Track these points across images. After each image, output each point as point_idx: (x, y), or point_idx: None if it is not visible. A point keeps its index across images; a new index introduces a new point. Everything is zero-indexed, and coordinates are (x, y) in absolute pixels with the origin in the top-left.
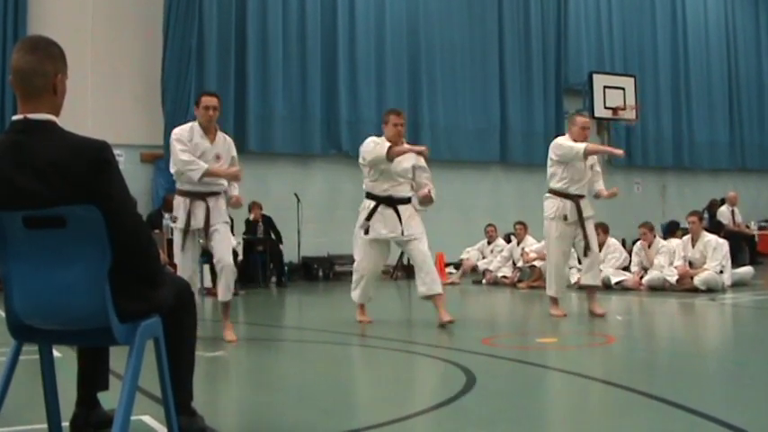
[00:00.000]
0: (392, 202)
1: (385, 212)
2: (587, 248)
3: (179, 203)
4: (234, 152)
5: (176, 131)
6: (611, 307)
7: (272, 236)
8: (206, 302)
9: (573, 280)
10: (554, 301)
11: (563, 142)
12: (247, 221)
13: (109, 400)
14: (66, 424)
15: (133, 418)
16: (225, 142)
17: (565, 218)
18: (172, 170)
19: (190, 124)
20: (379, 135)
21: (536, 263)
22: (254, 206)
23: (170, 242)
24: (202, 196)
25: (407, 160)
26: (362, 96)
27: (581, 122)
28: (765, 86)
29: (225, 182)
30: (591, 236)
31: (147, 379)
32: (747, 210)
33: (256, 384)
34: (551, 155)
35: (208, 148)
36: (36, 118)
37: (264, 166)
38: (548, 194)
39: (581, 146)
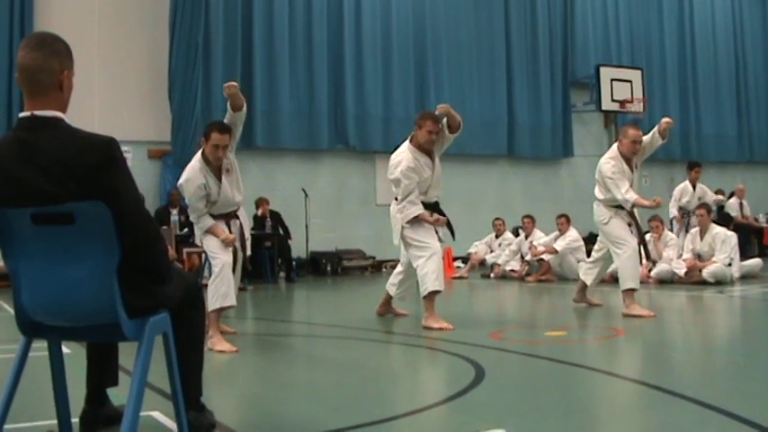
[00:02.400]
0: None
1: None
2: None
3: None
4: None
5: (189, 177)
6: (619, 300)
7: (280, 231)
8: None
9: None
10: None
11: (618, 181)
12: (255, 217)
13: (118, 395)
14: (75, 420)
15: (142, 413)
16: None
17: None
18: (191, 214)
19: (198, 163)
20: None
21: (544, 256)
22: (261, 202)
23: (178, 238)
24: (225, 220)
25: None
26: (369, 91)
27: (633, 136)
28: None
29: (239, 199)
30: None
31: (157, 375)
32: (755, 202)
33: (266, 379)
34: (601, 172)
35: (215, 184)
36: (43, 115)
37: (272, 161)
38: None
39: (630, 199)
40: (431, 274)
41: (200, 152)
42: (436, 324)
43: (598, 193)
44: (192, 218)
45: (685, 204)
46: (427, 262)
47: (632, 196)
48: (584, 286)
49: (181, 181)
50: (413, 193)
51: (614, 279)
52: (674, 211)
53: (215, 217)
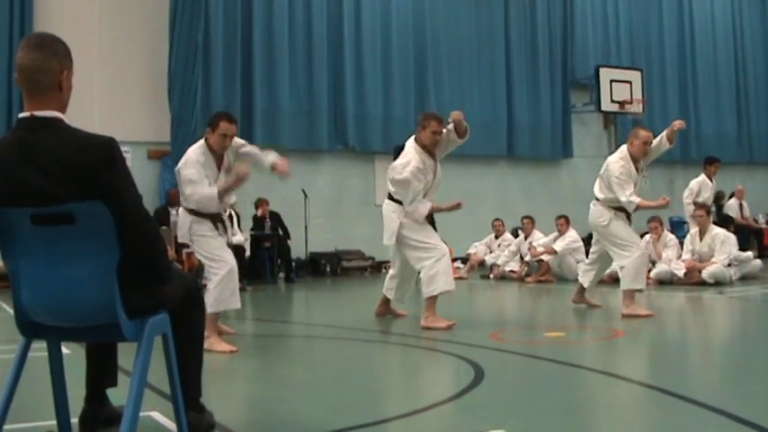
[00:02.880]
0: None
1: None
2: None
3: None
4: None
5: (188, 160)
6: (618, 301)
7: (280, 232)
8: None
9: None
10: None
11: (624, 183)
12: (255, 217)
13: (118, 396)
14: (75, 420)
15: (142, 414)
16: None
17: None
18: (187, 190)
19: (200, 149)
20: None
21: (543, 257)
22: (261, 202)
23: (177, 238)
24: (212, 220)
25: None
26: (369, 91)
27: (644, 137)
28: None
29: (231, 200)
30: None
31: (156, 375)
32: (755, 203)
33: (265, 380)
34: (609, 171)
35: (213, 174)
36: (42, 115)
37: None
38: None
39: (634, 201)
40: (441, 274)
41: (202, 141)
42: (440, 323)
43: (599, 192)
44: (188, 192)
45: (705, 200)
46: (437, 263)
47: (636, 199)
48: (583, 288)
49: (179, 166)
50: (419, 195)
51: (613, 280)
52: (690, 209)
53: (202, 215)
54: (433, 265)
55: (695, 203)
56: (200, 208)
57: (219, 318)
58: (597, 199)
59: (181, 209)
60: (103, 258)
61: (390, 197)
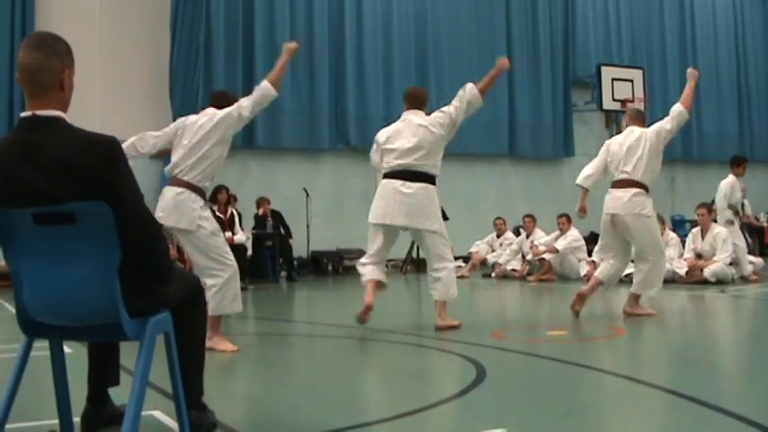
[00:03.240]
0: None
1: None
2: None
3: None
4: None
5: None
6: (619, 299)
7: (282, 230)
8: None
9: (582, 272)
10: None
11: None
12: (256, 216)
13: (120, 395)
14: (77, 419)
15: (144, 413)
16: None
17: None
18: (244, 101)
19: None
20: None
21: (545, 256)
22: (262, 201)
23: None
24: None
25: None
26: (370, 91)
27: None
28: None
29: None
30: None
31: (158, 374)
32: (756, 202)
33: (267, 379)
34: (661, 128)
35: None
36: (44, 114)
37: (273, 160)
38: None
39: (681, 105)
40: (455, 281)
41: None
42: (454, 323)
43: (642, 169)
44: (245, 101)
45: (736, 202)
46: (453, 270)
47: (679, 105)
48: (637, 296)
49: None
50: None
51: None
52: (728, 214)
53: (205, 199)
54: (452, 271)
55: (707, 205)
56: (263, 98)
57: (223, 318)
58: (637, 185)
59: (179, 189)
60: (105, 257)
61: (421, 177)
